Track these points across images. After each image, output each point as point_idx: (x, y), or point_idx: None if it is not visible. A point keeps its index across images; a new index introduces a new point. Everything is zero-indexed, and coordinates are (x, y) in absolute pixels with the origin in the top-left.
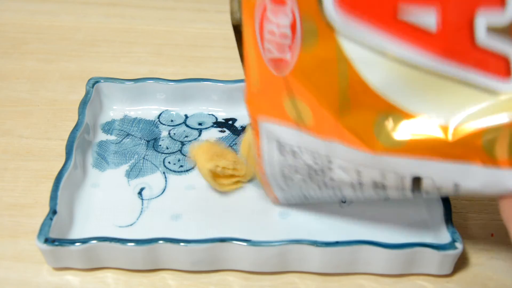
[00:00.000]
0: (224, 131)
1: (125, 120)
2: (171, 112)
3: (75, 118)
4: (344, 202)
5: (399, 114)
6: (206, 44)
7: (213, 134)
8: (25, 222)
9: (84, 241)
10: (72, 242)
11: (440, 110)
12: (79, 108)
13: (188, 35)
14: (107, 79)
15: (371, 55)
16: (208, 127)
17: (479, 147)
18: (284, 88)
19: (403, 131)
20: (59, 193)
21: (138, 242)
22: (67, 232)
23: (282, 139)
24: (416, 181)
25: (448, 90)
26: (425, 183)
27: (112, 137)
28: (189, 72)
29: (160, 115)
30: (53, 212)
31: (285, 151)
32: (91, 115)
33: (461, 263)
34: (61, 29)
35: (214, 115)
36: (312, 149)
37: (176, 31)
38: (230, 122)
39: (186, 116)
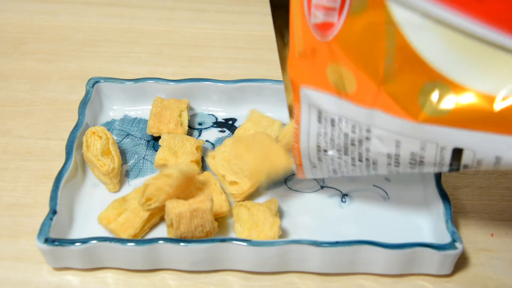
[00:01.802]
0: (224, 131)
1: (125, 120)
2: None
3: (75, 118)
4: (344, 202)
5: (445, 82)
6: (206, 44)
7: (213, 134)
8: (25, 222)
9: (84, 241)
10: (72, 242)
11: (488, 80)
12: (79, 108)
13: (188, 35)
14: (107, 79)
15: (422, 20)
16: (208, 127)
17: None
18: (328, 54)
19: (448, 100)
20: (59, 193)
21: (138, 242)
22: (67, 232)
23: (324, 106)
24: (457, 153)
25: (498, 60)
26: (466, 156)
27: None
28: (189, 72)
29: None
30: (53, 212)
31: (324, 119)
32: (91, 115)
33: (461, 263)
34: (61, 29)
35: (214, 115)
36: (352, 117)
37: (176, 31)
38: (230, 122)
39: None
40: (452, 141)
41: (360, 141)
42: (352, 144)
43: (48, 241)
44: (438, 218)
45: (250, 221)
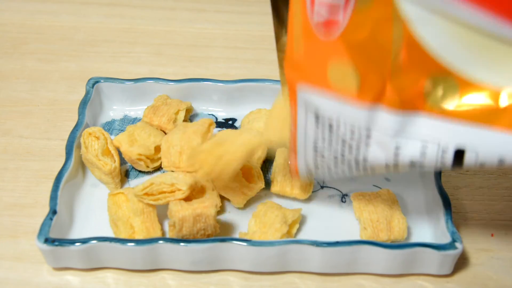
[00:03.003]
0: None
1: (125, 120)
2: None
3: (75, 118)
4: (344, 202)
5: (452, 77)
6: (206, 44)
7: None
8: (25, 222)
9: (84, 241)
10: (72, 242)
11: (495, 75)
12: (79, 108)
13: (188, 35)
14: (107, 79)
15: (429, 15)
16: None
17: None
18: (331, 53)
19: (453, 95)
20: (59, 193)
21: (138, 242)
22: (67, 232)
23: (321, 110)
24: (458, 156)
25: (505, 55)
26: (467, 158)
27: (112, 137)
28: (189, 72)
29: None
30: (53, 212)
31: (321, 123)
32: (91, 115)
33: (461, 263)
34: (61, 29)
35: (214, 115)
36: (352, 120)
37: (176, 31)
38: (230, 122)
39: None
40: (455, 139)
41: (358, 149)
42: (350, 152)
43: (48, 241)
44: (438, 218)
45: (262, 220)
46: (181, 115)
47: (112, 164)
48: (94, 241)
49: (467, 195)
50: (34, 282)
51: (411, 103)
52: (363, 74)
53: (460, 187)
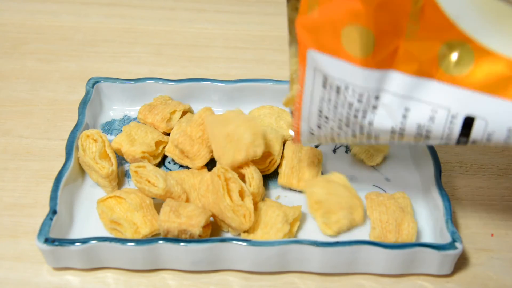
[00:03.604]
0: None
1: (125, 120)
2: None
3: (75, 118)
4: None
5: (467, 42)
6: (206, 44)
7: None
8: (25, 222)
9: (84, 241)
10: (72, 242)
11: (511, 46)
12: (79, 108)
13: (188, 35)
14: (107, 79)
15: None
16: None
17: None
18: (347, 14)
19: (468, 61)
20: (59, 193)
21: (138, 242)
22: (67, 232)
23: (330, 71)
24: (467, 124)
25: None
26: (477, 127)
27: (112, 137)
28: (189, 72)
29: None
30: (53, 212)
31: (329, 85)
32: (91, 115)
33: (461, 263)
34: (61, 29)
35: None
36: (361, 84)
37: (176, 31)
38: None
39: None
40: (465, 106)
41: (365, 113)
42: (355, 116)
43: (48, 241)
44: (438, 218)
45: (263, 220)
46: (177, 115)
47: (110, 167)
48: (94, 241)
49: (467, 195)
50: (34, 282)
51: (424, 68)
52: (379, 35)
53: (460, 187)
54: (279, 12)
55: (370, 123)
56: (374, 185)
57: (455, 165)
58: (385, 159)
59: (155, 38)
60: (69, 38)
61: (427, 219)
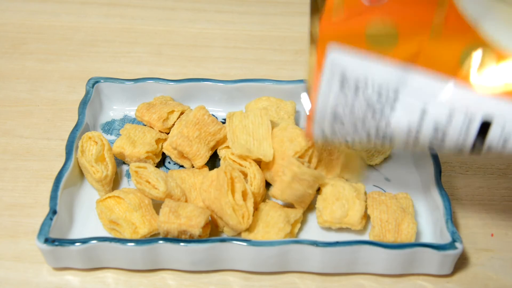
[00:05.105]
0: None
1: (125, 120)
2: None
3: (75, 118)
4: None
5: (489, 48)
6: (206, 44)
7: None
8: (25, 222)
9: (84, 241)
10: (72, 242)
11: None
12: (79, 108)
13: (188, 35)
14: (107, 79)
15: None
16: None
17: None
18: (373, 14)
19: (489, 66)
20: (59, 193)
21: (138, 242)
22: (67, 232)
23: (349, 70)
24: (484, 128)
25: None
26: (493, 132)
27: (112, 137)
28: (189, 72)
29: None
30: (53, 212)
31: (347, 86)
32: (91, 115)
33: (461, 263)
34: (61, 29)
35: (214, 115)
36: (381, 80)
37: (176, 31)
38: None
39: None
40: (483, 110)
41: (382, 112)
42: (373, 117)
43: (48, 241)
44: (438, 218)
45: (265, 220)
46: (175, 115)
47: (104, 172)
48: (94, 241)
49: (467, 195)
50: (34, 282)
51: (445, 68)
52: (403, 34)
53: (460, 187)
54: (279, 12)
55: (387, 124)
56: (374, 185)
57: (455, 165)
58: (385, 159)
59: (155, 38)
60: (69, 38)
61: (427, 219)
